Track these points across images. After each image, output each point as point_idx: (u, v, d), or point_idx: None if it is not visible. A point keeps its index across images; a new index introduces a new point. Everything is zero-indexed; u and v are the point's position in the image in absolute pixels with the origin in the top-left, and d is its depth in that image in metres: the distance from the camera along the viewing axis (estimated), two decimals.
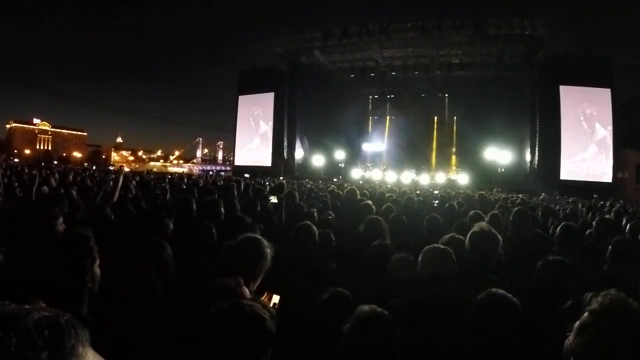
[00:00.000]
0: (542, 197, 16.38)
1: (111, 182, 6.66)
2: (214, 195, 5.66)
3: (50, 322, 0.62)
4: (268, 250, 2.28)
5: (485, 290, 1.98)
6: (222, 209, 4.18)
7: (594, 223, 5.33)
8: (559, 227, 3.81)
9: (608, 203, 11.65)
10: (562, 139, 26.74)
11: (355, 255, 3.30)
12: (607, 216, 5.95)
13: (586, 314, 1.28)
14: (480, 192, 10.83)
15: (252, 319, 1.37)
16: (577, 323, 1.30)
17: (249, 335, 1.33)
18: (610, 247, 3.48)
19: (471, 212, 5.08)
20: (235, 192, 6.48)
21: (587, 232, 4.86)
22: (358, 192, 7.02)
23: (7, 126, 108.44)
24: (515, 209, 4.98)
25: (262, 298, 2.04)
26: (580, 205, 10.41)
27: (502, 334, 1.81)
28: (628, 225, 5.29)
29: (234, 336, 1.32)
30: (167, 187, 7.37)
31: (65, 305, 1.33)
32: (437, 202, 7.56)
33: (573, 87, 26.62)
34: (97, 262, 1.89)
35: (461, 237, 3.11)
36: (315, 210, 5.29)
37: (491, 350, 1.82)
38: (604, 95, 26.51)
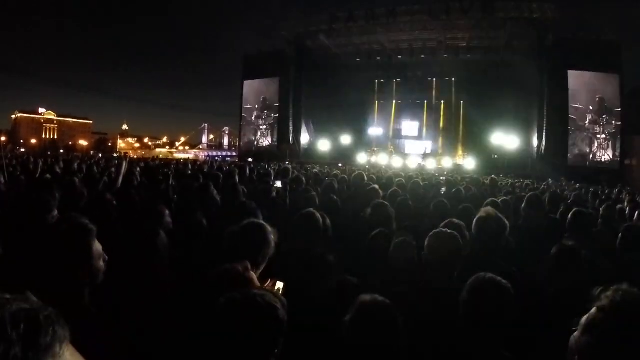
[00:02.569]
0: (549, 182, 16.19)
1: (114, 169, 6.61)
2: (219, 180, 5.63)
3: (29, 317, 0.59)
4: (272, 237, 2.24)
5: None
6: (215, 193, 4.15)
7: (601, 210, 5.28)
8: (570, 214, 3.73)
9: (616, 190, 11.50)
10: (569, 125, 26.45)
11: (360, 240, 3.27)
12: (619, 205, 5.87)
13: (594, 310, 1.17)
14: (492, 177, 10.64)
15: (265, 309, 1.34)
16: (584, 319, 1.20)
17: (261, 325, 1.30)
18: (620, 234, 3.43)
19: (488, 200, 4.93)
20: (237, 178, 6.42)
21: (596, 219, 4.80)
22: (365, 176, 6.98)
23: (13, 117, 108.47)
24: (527, 195, 4.89)
25: (266, 285, 2.01)
26: (584, 191, 10.26)
27: (493, 318, 1.76)
28: (636, 213, 5.21)
29: (247, 327, 1.29)
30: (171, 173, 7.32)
31: (63, 296, 1.30)
32: (444, 189, 7.40)
33: (582, 72, 26.19)
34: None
35: (461, 222, 3.08)
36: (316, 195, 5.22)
37: (484, 334, 1.77)
38: (612, 81, 26.12)
